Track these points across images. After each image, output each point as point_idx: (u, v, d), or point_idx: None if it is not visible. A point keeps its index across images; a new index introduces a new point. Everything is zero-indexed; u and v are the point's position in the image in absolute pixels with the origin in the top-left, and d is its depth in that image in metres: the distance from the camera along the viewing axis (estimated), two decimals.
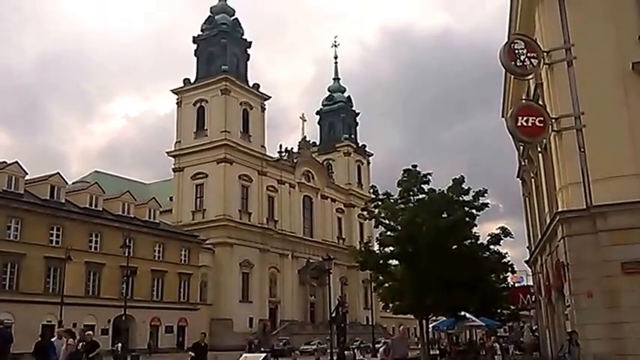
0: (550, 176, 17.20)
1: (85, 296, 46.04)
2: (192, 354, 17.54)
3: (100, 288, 47.64)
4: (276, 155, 76.15)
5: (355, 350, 38.86)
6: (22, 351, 31.87)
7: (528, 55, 15.81)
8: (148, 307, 50.77)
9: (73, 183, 57.37)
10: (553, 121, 15.34)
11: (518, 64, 15.93)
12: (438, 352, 35.79)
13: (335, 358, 25.73)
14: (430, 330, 34.45)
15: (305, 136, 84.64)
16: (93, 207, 49.45)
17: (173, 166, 69.39)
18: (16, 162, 45.43)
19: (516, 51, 15.84)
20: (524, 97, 20.28)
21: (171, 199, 67.83)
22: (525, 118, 15.51)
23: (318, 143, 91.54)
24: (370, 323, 64.25)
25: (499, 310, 37.66)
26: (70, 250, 40.00)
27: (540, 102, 16.81)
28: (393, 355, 16.71)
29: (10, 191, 43.45)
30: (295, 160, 77.80)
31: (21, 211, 43.05)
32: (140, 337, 49.19)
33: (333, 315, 32.37)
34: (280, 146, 78.85)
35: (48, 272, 43.89)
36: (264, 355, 22.33)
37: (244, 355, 23.36)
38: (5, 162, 45.81)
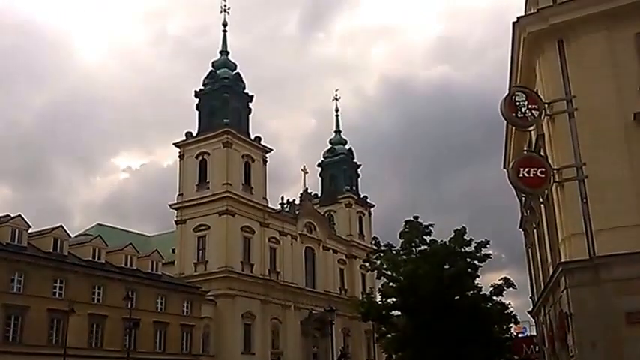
0: (552, 227, 17.39)
1: (89, 348, 45.61)
2: None
3: (104, 340, 47.24)
4: (278, 207, 76.41)
5: None
6: None
7: (529, 106, 16.08)
8: (151, 359, 50.33)
9: (76, 236, 57.55)
10: (554, 172, 15.60)
11: (519, 115, 16.23)
12: None
13: None
14: None
15: (306, 188, 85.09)
16: (96, 259, 49.57)
17: (175, 219, 69.57)
18: (19, 215, 45.78)
19: (517, 103, 16.14)
20: (525, 149, 20.64)
21: (173, 251, 67.85)
22: (527, 170, 15.75)
23: (319, 195, 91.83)
24: None
25: None
26: (73, 303, 39.98)
27: (542, 153, 17.10)
28: None
29: (13, 244, 43.65)
30: (297, 212, 78.04)
31: (24, 264, 43.15)
32: None
33: None
34: (282, 198, 79.28)
35: (51, 324, 43.67)
36: None
37: None
38: (9, 215, 46.19)
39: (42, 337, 42.74)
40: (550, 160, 16.05)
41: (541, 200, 19.36)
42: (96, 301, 47.48)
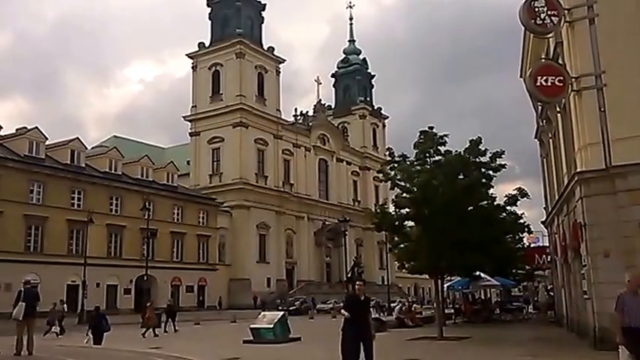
0: (569, 137, 17.14)
1: (108, 257, 47.11)
2: (347, 313, 10.56)
3: (122, 249, 48.69)
4: (292, 119, 76.27)
5: (371, 309, 39.50)
6: (47, 309, 33.16)
7: (549, 12, 15.52)
8: (169, 268, 52.00)
9: (93, 148, 58.02)
10: (573, 80, 15.21)
11: (538, 22, 15.68)
12: (452, 311, 36.23)
13: None
14: (445, 289, 34.76)
15: (320, 99, 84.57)
16: (112, 171, 50.21)
17: (190, 131, 69.81)
18: (36, 127, 45.95)
19: (536, 9, 15.56)
20: (543, 57, 20.05)
21: (188, 162, 68.41)
22: (545, 78, 15.34)
23: (333, 106, 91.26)
24: (386, 283, 64.96)
25: (514, 270, 37.89)
26: (91, 213, 40.69)
27: (560, 61, 16.63)
28: (625, 321, 9.15)
29: (31, 156, 44.10)
30: (310, 124, 77.89)
31: (43, 176, 43.75)
32: (162, 297, 50.20)
33: (349, 275, 32.72)
34: (295, 110, 79.20)
35: (71, 234, 44.87)
36: (282, 313, 22.77)
37: (262, 313, 23.89)
38: (26, 127, 46.39)
39: (62, 247, 43.98)
40: (568, 68, 15.60)
41: (558, 109, 19.00)
42: (114, 212, 48.46)
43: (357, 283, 11.09)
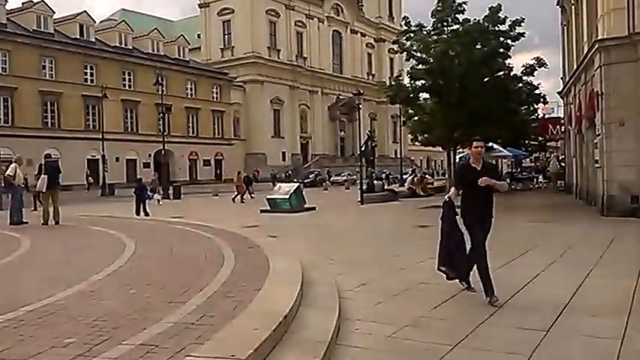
0: (592, 2, 16.65)
1: (125, 132, 47.80)
2: (454, 191, 6.66)
3: (138, 125, 49.24)
4: None
5: (384, 181, 40.30)
6: (70, 183, 34.34)
7: None
8: (185, 143, 52.69)
9: (101, 22, 56.94)
10: None
11: None
12: None
13: (364, 187, 26.65)
14: (457, 160, 35.09)
15: None
16: (123, 45, 49.60)
17: (199, 2, 68.01)
18: (43, 1, 44.89)
19: None
20: None
21: (199, 36, 67.26)
22: None
23: None
24: (398, 156, 65.75)
25: (527, 142, 38.06)
26: (105, 89, 40.71)
27: None
28: None
29: (39, 31, 43.48)
30: None
31: (53, 51, 43.39)
32: (180, 170, 51.46)
33: (363, 149, 32.90)
34: None
35: (87, 110, 45.27)
36: (297, 184, 23.42)
37: (279, 184, 24.56)
38: (31, 1, 45.34)
39: (79, 122, 44.58)
40: None
41: None
42: (127, 87, 48.48)
43: (475, 142, 6.46)
